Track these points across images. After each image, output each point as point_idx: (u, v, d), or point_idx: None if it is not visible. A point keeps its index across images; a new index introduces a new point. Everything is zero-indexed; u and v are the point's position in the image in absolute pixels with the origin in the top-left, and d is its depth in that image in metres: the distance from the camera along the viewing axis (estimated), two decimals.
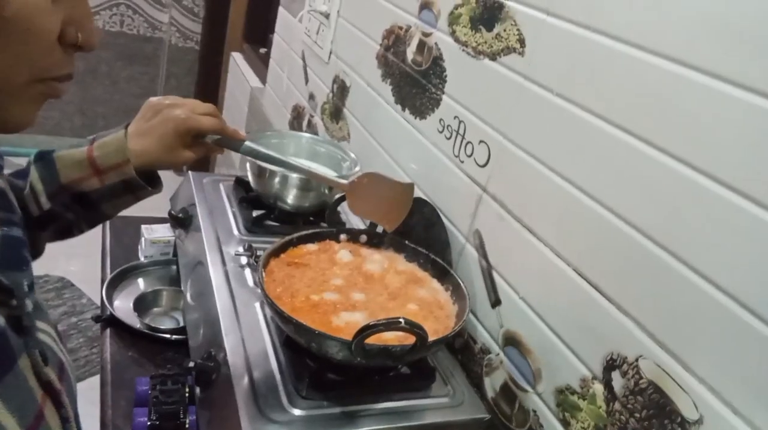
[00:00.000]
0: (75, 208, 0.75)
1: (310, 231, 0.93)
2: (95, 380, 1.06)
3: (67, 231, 0.78)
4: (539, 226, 0.79)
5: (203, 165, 3.51)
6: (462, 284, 0.85)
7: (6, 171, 0.75)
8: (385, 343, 0.70)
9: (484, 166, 0.91)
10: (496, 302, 0.86)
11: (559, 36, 0.77)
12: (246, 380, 0.76)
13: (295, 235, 0.91)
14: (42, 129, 3.54)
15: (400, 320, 0.65)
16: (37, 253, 0.77)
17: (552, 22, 0.79)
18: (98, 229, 1.40)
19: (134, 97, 3.69)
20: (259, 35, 2.78)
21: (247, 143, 0.85)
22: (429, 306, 0.84)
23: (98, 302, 1.19)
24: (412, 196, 0.95)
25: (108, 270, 1.19)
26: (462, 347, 0.93)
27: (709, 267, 0.57)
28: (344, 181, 0.93)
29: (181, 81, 3.65)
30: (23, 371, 0.46)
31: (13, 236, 0.51)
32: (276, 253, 0.88)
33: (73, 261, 2.80)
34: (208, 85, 3.47)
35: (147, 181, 0.77)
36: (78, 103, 3.59)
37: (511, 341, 0.83)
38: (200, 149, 0.81)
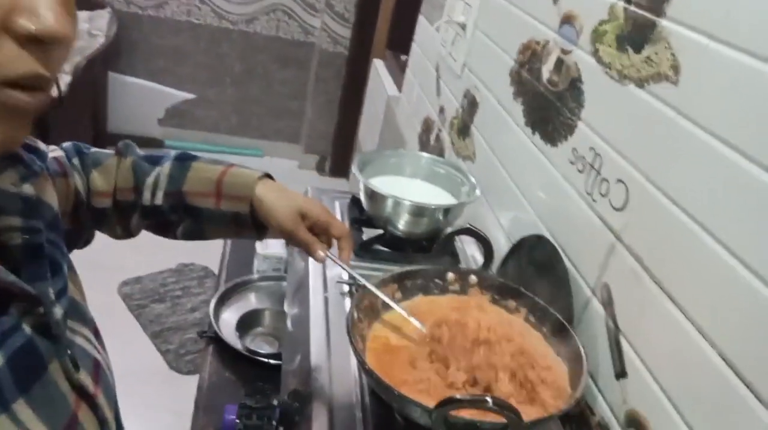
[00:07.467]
0: (181, 215, 0.77)
1: (414, 268, 0.86)
2: None
3: (163, 229, 0.80)
4: (683, 295, 0.64)
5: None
6: (581, 349, 0.72)
7: (141, 152, 0.79)
8: (472, 416, 0.61)
9: (620, 209, 0.77)
10: (621, 374, 0.72)
11: (724, 66, 0.62)
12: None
13: (396, 272, 0.84)
14: (202, 126, 3.81)
15: (487, 399, 0.55)
16: (127, 234, 0.80)
17: (717, 49, 0.63)
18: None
19: (286, 99, 3.85)
20: (401, 42, 2.75)
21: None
22: (533, 368, 0.73)
23: None
24: None
25: (222, 282, 1.21)
26: (577, 417, 0.80)
27: None
28: (421, 327, 0.76)
29: (329, 85, 3.74)
30: (54, 378, 0.46)
31: (36, 243, 0.49)
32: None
33: (219, 250, 2.99)
34: (353, 90, 3.53)
35: (255, 226, 0.78)
36: (235, 103, 3.82)
37: (635, 424, 0.69)
38: (307, 236, 0.76)
